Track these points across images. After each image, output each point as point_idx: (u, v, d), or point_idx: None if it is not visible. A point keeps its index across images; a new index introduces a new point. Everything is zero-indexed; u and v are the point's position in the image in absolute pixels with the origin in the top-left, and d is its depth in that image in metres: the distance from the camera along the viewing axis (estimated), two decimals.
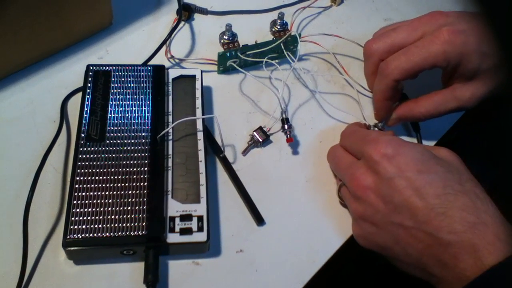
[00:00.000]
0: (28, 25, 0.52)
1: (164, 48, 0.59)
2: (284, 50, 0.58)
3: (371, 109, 0.58)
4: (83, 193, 0.44)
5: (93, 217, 0.43)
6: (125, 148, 0.48)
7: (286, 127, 0.53)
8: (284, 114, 0.54)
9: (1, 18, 0.49)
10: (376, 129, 0.54)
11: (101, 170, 0.46)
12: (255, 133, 0.53)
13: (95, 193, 0.44)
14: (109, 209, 0.44)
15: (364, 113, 0.57)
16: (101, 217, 0.43)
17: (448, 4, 0.71)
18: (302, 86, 0.60)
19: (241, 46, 0.58)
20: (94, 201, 0.44)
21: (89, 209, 0.44)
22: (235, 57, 0.58)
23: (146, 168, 0.47)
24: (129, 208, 0.44)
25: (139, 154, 0.47)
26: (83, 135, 0.48)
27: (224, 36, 0.59)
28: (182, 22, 0.63)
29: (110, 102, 0.51)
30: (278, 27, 0.61)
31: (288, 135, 0.53)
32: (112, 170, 0.46)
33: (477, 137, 0.85)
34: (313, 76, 0.61)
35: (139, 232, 0.43)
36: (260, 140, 0.53)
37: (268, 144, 0.54)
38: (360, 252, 0.48)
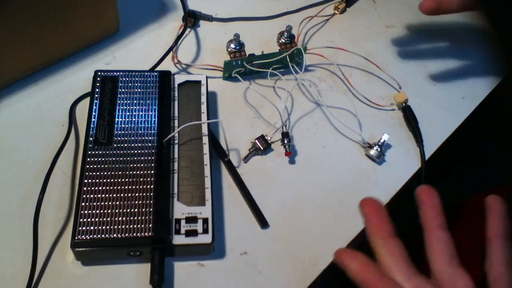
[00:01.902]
0: (34, 33, 0.53)
1: (170, 53, 0.60)
2: (289, 62, 0.60)
3: (371, 121, 0.59)
4: (91, 196, 0.45)
5: (100, 219, 0.44)
6: (132, 151, 0.49)
7: (285, 141, 0.54)
8: (285, 128, 0.55)
9: (7, 25, 0.50)
10: (376, 147, 0.55)
11: (109, 173, 0.47)
12: (256, 141, 0.54)
13: (103, 196, 0.45)
14: (117, 211, 0.45)
15: (362, 128, 0.58)
16: (108, 219, 0.44)
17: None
18: (306, 94, 0.61)
19: (247, 55, 0.59)
20: (102, 203, 0.45)
21: (97, 211, 0.45)
22: (241, 66, 0.59)
23: (152, 171, 0.47)
24: (136, 210, 0.45)
25: (146, 158, 0.48)
26: (91, 139, 0.49)
27: (231, 45, 0.60)
28: (188, 29, 0.65)
29: (118, 107, 0.52)
30: (285, 39, 0.62)
31: (287, 149, 0.54)
32: (120, 173, 0.47)
33: (483, 142, 0.86)
34: (317, 85, 0.62)
35: (146, 234, 0.44)
36: (262, 148, 0.54)
37: (269, 151, 0.55)
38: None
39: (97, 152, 0.48)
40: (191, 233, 0.45)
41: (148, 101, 0.53)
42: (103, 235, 0.43)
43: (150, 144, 0.49)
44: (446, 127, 0.60)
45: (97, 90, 0.53)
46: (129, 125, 0.51)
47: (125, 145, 0.49)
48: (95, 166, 0.47)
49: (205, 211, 0.47)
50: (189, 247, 0.45)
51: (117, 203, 0.45)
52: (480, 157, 0.89)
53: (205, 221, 0.46)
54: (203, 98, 0.55)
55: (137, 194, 0.46)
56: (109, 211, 0.45)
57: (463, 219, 0.63)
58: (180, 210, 0.46)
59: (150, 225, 0.44)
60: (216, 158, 0.54)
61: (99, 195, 0.45)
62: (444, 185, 0.87)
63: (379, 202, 0.41)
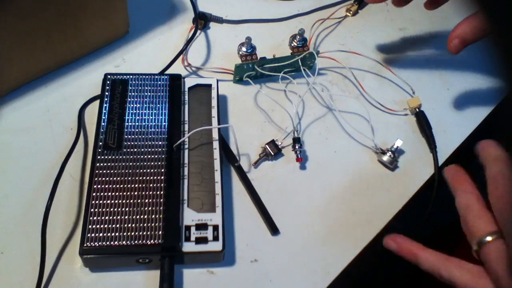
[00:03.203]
0: (44, 36, 0.52)
1: (180, 56, 0.60)
2: (301, 66, 0.59)
3: (384, 126, 0.58)
4: (100, 201, 0.45)
5: (109, 225, 0.43)
6: (142, 156, 0.48)
7: (296, 146, 0.53)
8: (296, 133, 0.54)
9: (17, 29, 0.49)
10: (389, 153, 0.54)
11: (118, 178, 0.46)
12: (267, 146, 0.54)
13: (112, 201, 0.45)
14: (126, 217, 0.44)
15: (375, 133, 0.57)
16: (117, 226, 0.44)
17: (461, 15, 0.71)
18: (318, 98, 0.60)
19: (258, 58, 0.58)
20: (111, 209, 0.44)
21: (106, 217, 0.44)
22: (252, 69, 0.58)
23: (162, 177, 0.47)
24: (145, 216, 0.44)
25: (156, 163, 0.48)
26: (100, 143, 0.48)
27: (243, 48, 0.59)
28: (198, 31, 0.64)
29: (127, 111, 0.51)
30: (298, 42, 0.61)
31: (299, 155, 0.53)
32: (129, 178, 0.46)
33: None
34: (329, 89, 0.61)
35: (155, 241, 0.43)
36: (272, 153, 0.53)
37: (279, 157, 0.55)
38: (373, 264, 0.47)
39: (106, 157, 0.48)
40: (201, 240, 0.45)
41: (158, 105, 0.52)
42: (112, 242, 0.43)
43: (160, 149, 0.49)
44: (460, 133, 0.59)
45: (106, 93, 0.52)
46: (139, 129, 0.50)
47: (135, 150, 0.48)
48: (104, 171, 0.47)
49: (216, 218, 0.46)
50: (199, 254, 0.45)
51: (127, 209, 0.45)
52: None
53: (215, 228, 0.45)
54: (214, 102, 0.54)
55: (147, 200, 0.45)
56: (118, 217, 0.44)
57: None
58: (190, 216, 0.46)
59: (160, 232, 0.44)
60: (226, 163, 0.53)
61: (108, 201, 0.45)
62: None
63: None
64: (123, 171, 0.47)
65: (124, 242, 0.43)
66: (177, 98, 0.53)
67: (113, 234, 0.43)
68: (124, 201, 0.45)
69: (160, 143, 0.49)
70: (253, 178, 0.52)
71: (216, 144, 0.51)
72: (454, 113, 0.61)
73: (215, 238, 0.45)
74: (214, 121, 0.52)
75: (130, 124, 0.50)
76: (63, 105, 0.55)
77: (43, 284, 0.44)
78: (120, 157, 0.48)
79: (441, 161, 0.56)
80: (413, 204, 0.54)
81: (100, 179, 0.46)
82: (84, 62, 0.59)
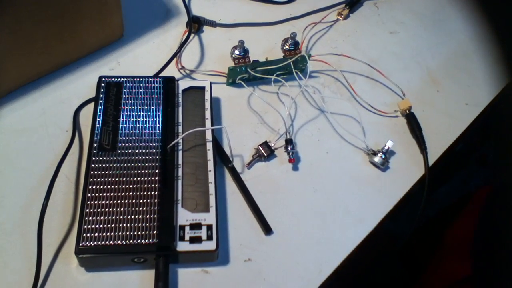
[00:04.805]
0: (41, 38, 0.53)
1: (174, 59, 0.60)
2: (293, 69, 0.60)
3: (375, 128, 0.59)
4: (96, 202, 0.45)
5: (105, 225, 0.44)
6: (136, 157, 0.49)
7: (289, 148, 0.54)
8: (288, 135, 0.55)
9: (16, 31, 0.50)
10: (380, 154, 0.55)
11: (113, 179, 0.47)
12: (260, 147, 0.54)
13: (107, 202, 0.45)
14: (121, 217, 0.45)
15: (366, 135, 0.58)
16: (113, 225, 0.44)
17: (452, 18, 0.73)
18: (310, 100, 0.61)
19: (251, 61, 0.59)
20: (106, 210, 0.45)
21: (101, 217, 0.44)
22: (245, 72, 0.59)
23: (156, 178, 0.47)
24: (140, 216, 0.45)
25: (150, 164, 0.48)
26: (95, 144, 0.49)
27: (236, 51, 0.60)
28: (192, 34, 0.65)
29: (122, 113, 0.52)
30: (290, 46, 0.61)
31: (291, 156, 0.54)
32: (124, 179, 0.47)
33: (484, 149, 0.86)
34: (321, 92, 0.62)
35: (150, 241, 0.44)
36: (265, 154, 0.54)
37: (272, 158, 0.55)
38: (366, 263, 0.48)
39: (101, 158, 0.48)
40: (195, 240, 0.45)
41: (153, 107, 0.53)
42: (107, 242, 0.43)
43: (154, 150, 0.49)
44: (450, 134, 0.60)
45: (101, 96, 0.53)
46: (134, 131, 0.51)
47: (129, 151, 0.49)
48: (99, 172, 0.47)
49: (209, 217, 0.47)
50: (194, 254, 0.45)
51: (122, 209, 0.45)
52: (480, 164, 0.89)
53: (209, 227, 0.46)
54: (207, 104, 0.55)
55: (141, 201, 0.46)
56: (114, 217, 0.45)
57: (468, 210, 0.63)
58: (184, 216, 0.46)
59: (155, 232, 0.44)
60: (220, 164, 0.54)
61: (103, 202, 0.45)
62: (446, 190, 0.87)
63: None
64: (117, 172, 0.47)
65: (119, 242, 0.43)
66: (171, 100, 0.54)
67: (108, 233, 0.44)
68: (119, 201, 0.46)
69: (154, 144, 0.50)
70: (247, 178, 0.53)
71: (209, 145, 0.51)
72: (444, 114, 0.62)
73: (209, 238, 0.46)
74: (208, 122, 0.53)
75: (125, 126, 0.51)
76: (59, 107, 0.56)
77: (39, 283, 0.44)
78: (115, 158, 0.48)
79: (431, 161, 0.57)
80: (404, 203, 0.55)
81: (95, 180, 0.47)
82: (80, 64, 0.59)
